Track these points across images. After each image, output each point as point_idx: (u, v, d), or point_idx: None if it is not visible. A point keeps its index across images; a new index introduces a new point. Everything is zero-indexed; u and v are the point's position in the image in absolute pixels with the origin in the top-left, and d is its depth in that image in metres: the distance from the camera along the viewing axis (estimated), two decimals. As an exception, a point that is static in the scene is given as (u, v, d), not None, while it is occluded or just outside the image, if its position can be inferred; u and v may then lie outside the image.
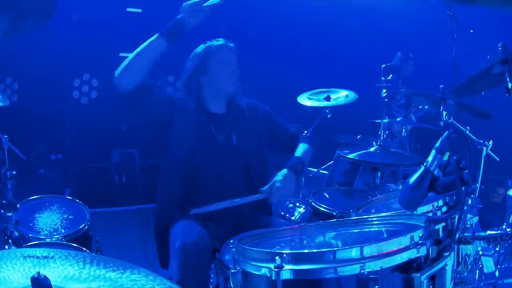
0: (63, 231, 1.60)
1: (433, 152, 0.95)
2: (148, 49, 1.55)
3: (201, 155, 1.66)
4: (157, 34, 1.55)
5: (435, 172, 0.94)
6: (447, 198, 1.09)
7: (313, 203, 2.07)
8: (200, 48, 1.74)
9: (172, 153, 1.68)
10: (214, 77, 1.69)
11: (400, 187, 2.30)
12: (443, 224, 0.96)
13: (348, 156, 2.17)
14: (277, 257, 0.83)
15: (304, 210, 2.40)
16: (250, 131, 1.76)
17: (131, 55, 1.56)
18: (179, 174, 1.66)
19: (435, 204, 1.09)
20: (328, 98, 2.59)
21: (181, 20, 1.53)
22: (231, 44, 1.75)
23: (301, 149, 1.81)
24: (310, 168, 2.83)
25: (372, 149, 2.16)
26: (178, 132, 1.67)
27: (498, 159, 1.98)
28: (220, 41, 1.74)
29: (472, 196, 1.54)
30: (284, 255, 0.83)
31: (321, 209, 2.01)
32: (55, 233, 1.58)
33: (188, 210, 1.63)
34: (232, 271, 0.93)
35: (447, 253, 0.91)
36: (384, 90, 3.01)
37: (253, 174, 1.74)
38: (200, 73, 1.70)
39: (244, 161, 1.72)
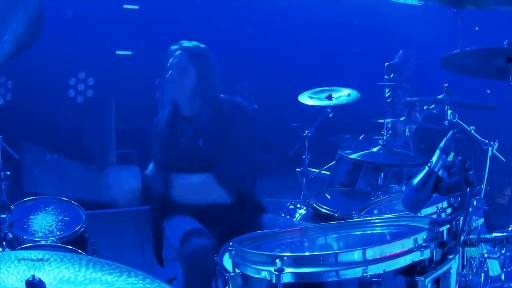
0: (58, 233, 1.58)
1: (437, 152, 0.94)
2: None
3: (168, 160, 1.68)
4: None
5: (440, 173, 0.93)
6: (451, 199, 1.07)
7: (314, 205, 2.05)
8: None
9: (152, 160, 1.71)
10: (167, 84, 1.71)
11: (404, 188, 2.28)
12: (448, 226, 0.95)
13: (350, 157, 2.16)
14: (277, 260, 0.81)
15: (305, 211, 2.38)
16: (223, 132, 1.69)
17: None
18: (159, 180, 1.68)
19: (440, 205, 1.07)
20: (330, 97, 2.58)
21: None
22: (185, 45, 1.70)
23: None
24: (311, 169, 2.82)
25: (375, 149, 2.14)
26: (155, 144, 1.71)
27: (504, 160, 1.96)
28: (175, 46, 1.72)
29: (477, 197, 1.53)
30: (285, 258, 0.82)
31: (323, 210, 1.99)
32: (50, 235, 1.56)
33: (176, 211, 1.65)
34: (232, 274, 0.92)
35: (451, 256, 0.89)
36: (387, 89, 2.98)
37: (230, 176, 1.67)
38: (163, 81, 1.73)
39: (212, 164, 1.65)
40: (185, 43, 1.71)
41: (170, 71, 1.68)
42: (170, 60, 1.69)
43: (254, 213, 1.74)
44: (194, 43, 1.72)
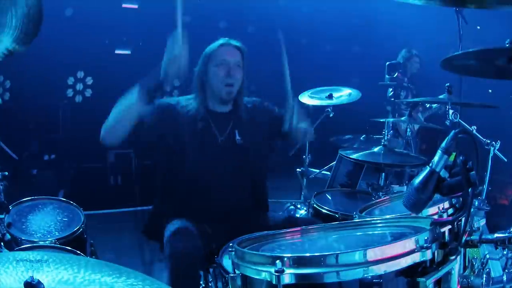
0: (57, 233, 1.58)
1: (438, 152, 0.93)
2: (127, 111, 1.51)
3: (202, 156, 1.66)
4: (135, 96, 1.48)
5: (441, 173, 0.92)
6: (453, 200, 1.06)
7: (315, 205, 2.05)
8: (207, 47, 1.75)
9: (170, 157, 1.68)
10: (210, 79, 1.71)
11: (405, 188, 2.27)
12: (449, 226, 0.94)
13: (351, 157, 2.15)
14: (278, 261, 0.81)
15: (305, 212, 2.38)
16: (254, 130, 1.75)
17: (111, 118, 1.52)
18: (179, 177, 1.66)
19: (441, 206, 1.06)
20: (330, 97, 2.58)
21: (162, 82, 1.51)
22: (235, 43, 1.73)
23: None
24: (312, 169, 2.81)
25: (376, 149, 2.14)
26: (174, 138, 1.66)
27: (506, 160, 1.95)
28: (220, 41, 1.73)
29: (479, 197, 1.52)
30: (285, 258, 0.81)
31: (323, 211, 1.98)
32: (49, 236, 1.55)
33: (186, 211, 1.62)
34: (232, 275, 0.91)
35: (453, 257, 0.89)
36: (390, 89, 2.97)
37: (256, 174, 1.74)
38: (202, 74, 1.72)
39: (246, 160, 1.71)
40: (232, 41, 1.73)
41: (231, 71, 1.67)
42: (222, 56, 1.68)
43: (257, 211, 1.75)
44: (233, 40, 1.74)
